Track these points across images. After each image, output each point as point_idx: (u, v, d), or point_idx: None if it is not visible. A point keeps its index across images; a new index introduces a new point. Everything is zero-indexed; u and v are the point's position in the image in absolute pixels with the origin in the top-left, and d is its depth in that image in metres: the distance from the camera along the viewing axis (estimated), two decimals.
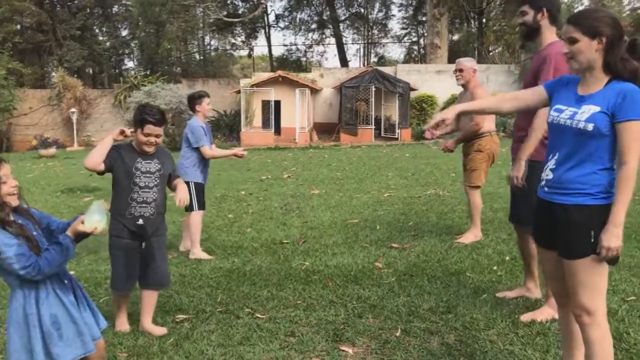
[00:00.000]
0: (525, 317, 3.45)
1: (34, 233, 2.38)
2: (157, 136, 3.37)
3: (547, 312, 3.45)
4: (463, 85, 5.29)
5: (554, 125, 2.38)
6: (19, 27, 31.82)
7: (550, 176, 2.38)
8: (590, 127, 2.22)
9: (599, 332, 2.29)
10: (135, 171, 3.33)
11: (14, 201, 2.31)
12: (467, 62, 5.27)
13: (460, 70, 5.21)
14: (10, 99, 23.65)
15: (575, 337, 2.52)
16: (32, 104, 25.80)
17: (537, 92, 2.53)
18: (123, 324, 3.55)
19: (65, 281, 2.48)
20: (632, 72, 2.23)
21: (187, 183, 5.23)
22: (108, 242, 3.42)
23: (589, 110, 2.24)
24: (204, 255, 5.17)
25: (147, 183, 3.35)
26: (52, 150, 19.93)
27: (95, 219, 2.39)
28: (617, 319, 3.33)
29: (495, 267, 4.50)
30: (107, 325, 2.74)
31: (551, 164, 2.39)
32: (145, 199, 3.36)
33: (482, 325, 3.38)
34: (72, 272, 4.62)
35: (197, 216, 5.27)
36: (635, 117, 2.16)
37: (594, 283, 2.27)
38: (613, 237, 2.17)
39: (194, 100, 5.33)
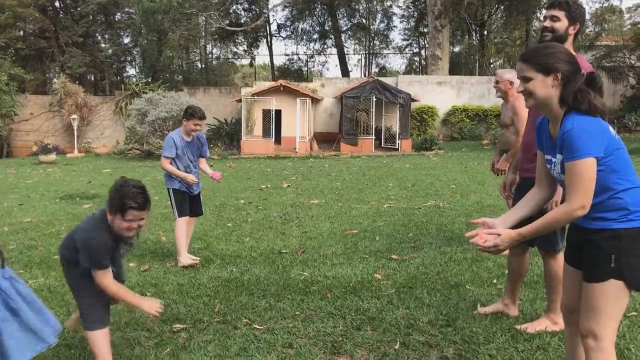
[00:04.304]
0: (522, 327, 3.45)
1: None
2: (141, 220, 2.83)
3: (544, 323, 3.44)
4: (503, 97, 5.10)
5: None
6: (21, 33, 32.01)
7: None
8: None
9: (603, 358, 2.19)
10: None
11: None
12: (505, 74, 5.03)
13: (497, 82, 5.02)
14: (11, 104, 23.74)
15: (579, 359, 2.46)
16: (33, 110, 25.88)
17: (541, 159, 2.47)
18: None
19: None
20: (590, 104, 2.17)
21: (167, 190, 5.37)
22: None
23: (559, 159, 2.24)
24: (188, 261, 5.17)
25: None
26: (52, 157, 19.90)
27: None
28: (618, 335, 3.30)
29: (495, 280, 4.47)
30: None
31: None
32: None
33: (482, 339, 3.35)
34: None
35: (178, 224, 5.32)
36: (572, 158, 2.14)
37: (608, 309, 2.18)
38: None
39: (185, 113, 5.26)
